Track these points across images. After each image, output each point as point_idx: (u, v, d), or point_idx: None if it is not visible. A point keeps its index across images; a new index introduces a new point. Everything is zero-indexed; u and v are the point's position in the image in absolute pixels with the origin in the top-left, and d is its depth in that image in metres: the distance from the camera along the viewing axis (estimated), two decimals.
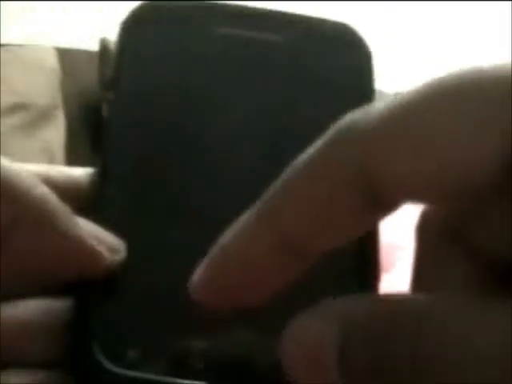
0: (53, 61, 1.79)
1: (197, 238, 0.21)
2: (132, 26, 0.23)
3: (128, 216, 0.22)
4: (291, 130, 0.23)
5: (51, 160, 1.40)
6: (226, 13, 0.23)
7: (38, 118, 1.84)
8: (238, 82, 0.23)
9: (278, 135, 0.23)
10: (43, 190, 0.20)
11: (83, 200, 0.23)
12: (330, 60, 0.23)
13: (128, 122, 0.22)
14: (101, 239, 0.21)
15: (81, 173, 0.23)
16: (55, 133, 1.86)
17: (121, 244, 0.21)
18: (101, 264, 0.21)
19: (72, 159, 1.50)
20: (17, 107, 1.78)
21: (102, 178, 0.22)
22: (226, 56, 0.23)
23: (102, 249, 0.21)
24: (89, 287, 0.21)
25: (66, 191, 0.22)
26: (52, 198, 0.20)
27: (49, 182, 0.22)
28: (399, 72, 1.48)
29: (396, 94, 0.17)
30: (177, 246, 0.21)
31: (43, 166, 0.23)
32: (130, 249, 0.21)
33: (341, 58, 0.23)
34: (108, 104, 0.22)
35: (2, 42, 1.72)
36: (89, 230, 0.21)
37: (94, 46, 1.85)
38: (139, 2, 0.23)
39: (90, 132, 1.99)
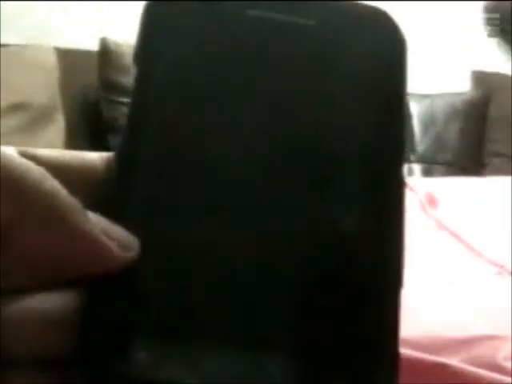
0: (53, 61, 1.78)
1: (216, 237, 0.20)
2: (157, 5, 0.22)
3: (144, 211, 0.21)
4: (321, 117, 0.22)
5: None
6: None
7: (38, 117, 1.83)
8: (269, 65, 0.22)
9: (308, 122, 0.22)
10: (52, 184, 0.19)
11: (98, 185, 0.22)
12: (363, 46, 0.22)
13: (151, 105, 0.21)
14: (112, 236, 0.20)
15: (95, 157, 0.23)
16: (55, 132, 1.86)
17: (134, 241, 0.20)
18: (111, 261, 0.20)
19: None
20: (17, 107, 1.77)
21: (122, 168, 0.21)
22: (258, 38, 0.22)
23: (113, 246, 0.20)
24: (99, 285, 0.20)
25: (81, 176, 0.22)
26: (61, 193, 0.19)
27: (63, 166, 0.22)
28: None
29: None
30: (193, 244, 0.20)
31: (57, 151, 0.22)
32: (143, 244, 0.20)
33: (374, 44, 0.22)
34: (132, 84, 0.21)
35: (2, 42, 1.72)
36: (100, 225, 0.20)
37: (94, 46, 1.85)
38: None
39: (89, 132, 1.98)
